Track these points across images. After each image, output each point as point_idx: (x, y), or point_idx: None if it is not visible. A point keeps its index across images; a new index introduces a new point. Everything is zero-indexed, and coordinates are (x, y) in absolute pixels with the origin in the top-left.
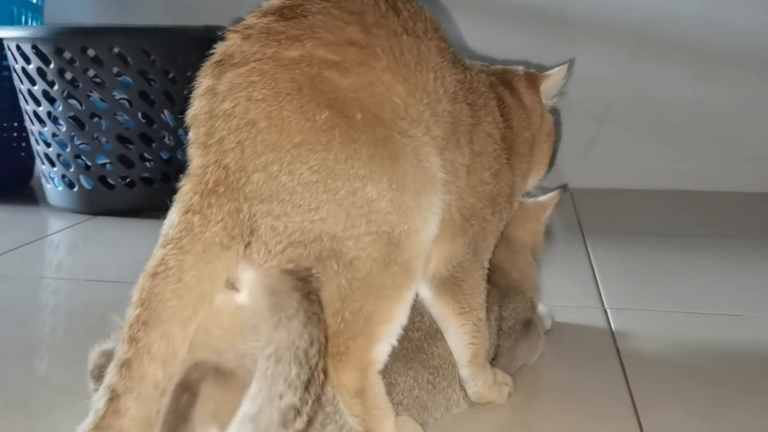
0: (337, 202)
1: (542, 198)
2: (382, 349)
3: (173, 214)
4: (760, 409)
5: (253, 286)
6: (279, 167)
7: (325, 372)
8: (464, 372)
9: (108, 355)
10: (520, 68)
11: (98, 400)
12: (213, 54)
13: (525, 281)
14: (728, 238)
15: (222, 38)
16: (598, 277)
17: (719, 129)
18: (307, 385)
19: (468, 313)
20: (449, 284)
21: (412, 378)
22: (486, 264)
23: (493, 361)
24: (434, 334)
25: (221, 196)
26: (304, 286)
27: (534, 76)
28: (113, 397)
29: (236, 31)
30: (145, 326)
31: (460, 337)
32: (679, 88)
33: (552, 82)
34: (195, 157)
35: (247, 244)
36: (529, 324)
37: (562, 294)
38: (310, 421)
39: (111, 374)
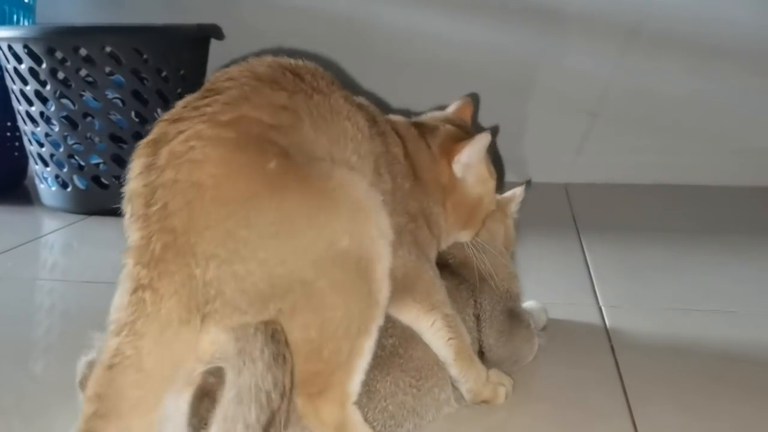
0: (303, 249)
1: (506, 193)
2: (357, 381)
3: (121, 296)
4: (754, 406)
5: (217, 335)
6: (235, 222)
7: (287, 415)
8: (453, 371)
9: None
10: (447, 127)
11: None
12: (142, 141)
13: (496, 271)
14: (722, 232)
15: (217, 36)
16: (592, 274)
17: (712, 122)
18: (266, 428)
19: (433, 310)
20: (403, 288)
21: (392, 383)
22: (435, 267)
23: (483, 357)
24: (409, 338)
25: (170, 263)
26: (268, 327)
27: (450, 140)
28: None
29: (163, 120)
30: (104, 420)
31: (436, 336)
32: (672, 81)
33: (467, 154)
34: (134, 231)
35: (206, 315)
36: (512, 314)
37: (557, 291)
38: None
39: None
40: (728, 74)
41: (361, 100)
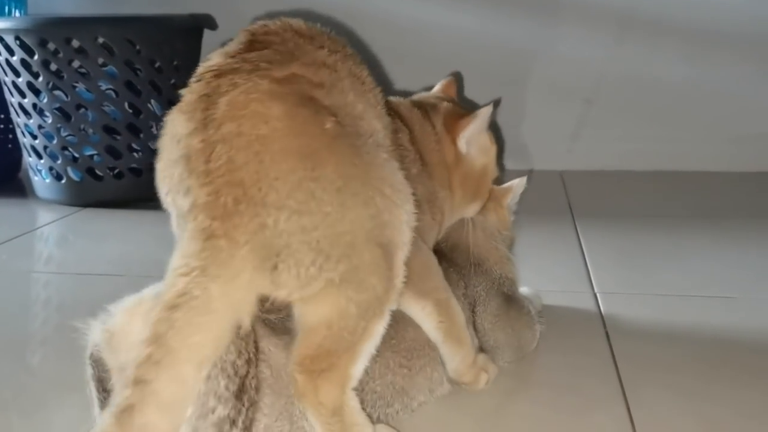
0: (358, 213)
1: (504, 185)
2: (360, 366)
3: (190, 245)
4: (750, 392)
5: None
6: (303, 175)
7: (258, 381)
8: (442, 350)
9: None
10: (446, 103)
11: None
12: (188, 97)
13: (488, 255)
14: (718, 218)
15: (210, 26)
16: (588, 261)
17: (708, 108)
18: (238, 395)
19: (424, 296)
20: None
21: (382, 365)
22: (431, 253)
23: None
24: (400, 319)
25: (243, 215)
26: None
27: (452, 122)
28: None
29: (208, 72)
30: (157, 367)
31: (427, 320)
32: (667, 67)
33: (472, 128)
34: (196, 188)
35: (275, 265)
36: (509, 299)
37: (552, 278)
38: (246, 429)
39: (105, 421)
40: (724, 60)
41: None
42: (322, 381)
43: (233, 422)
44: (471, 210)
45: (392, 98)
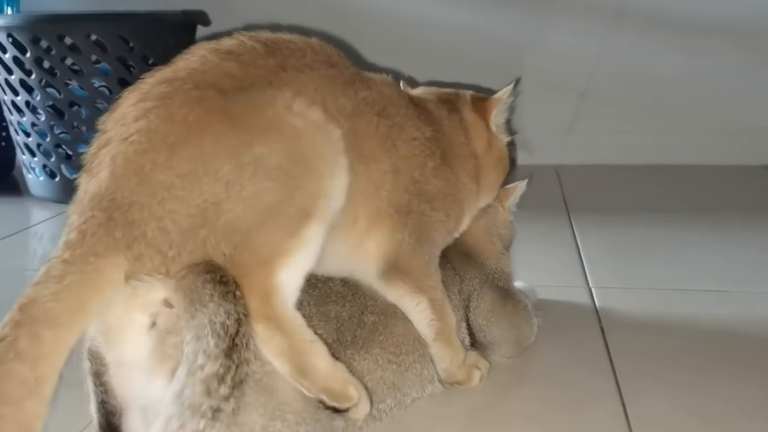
0: (219, 179)
1: (508, 185)
2: (285, 279)
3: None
4: (744, 385)
5: (174, 299)
6: (152, 168)
7: (249, 338)
8: (432, 350)
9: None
10: (469, 92)
11: None
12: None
13: (484, 249)
14: (713, 211)
15: (203, 22)
16: (583, 256)
17: (702, 101)
18: (228, 353)
19: (420, 292)
20: (397, 270)
21: (371, 360)
22: (435, 253)
23: (474, 339)
24: (390, 315)
25: (95, 209)
26: (215, 274)
27: (481, 102)
28: None
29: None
30: (16, 326)
31: (419, 316)
32: (661, 60)
33: (499, 109)
34: (80, 185)
35: (135, 258)
36: (505, 294)
37: (547, 273)
38: (235, 386)
39: None
40: (718, 52)
41: (379, 78)
42: (243, 288)
43: (222, 379)
44: (490, 197)
45: (422, 92)
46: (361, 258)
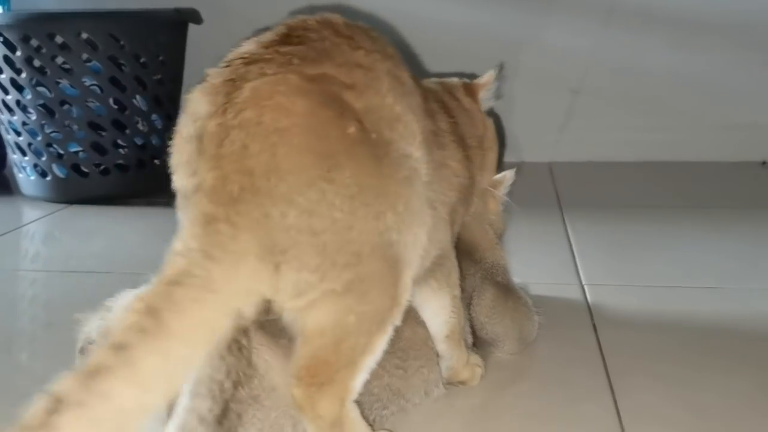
0: (369, 223)
1: (497, 175)
2: (361, 379)
3: (191, 227)
4: (736, 382)
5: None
6: (318, 174)
7: (243, 405)
8: (441, 347)
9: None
10: (456, 79)
11: (34, 403)
12: (214, 76)
13: (480, 241)
14: (706, 208)
15: (195, 20)
16: (575, 253)
17: (695, 98)
18: (220, 419)
19: (445, 289)
20: (432, 270)
21: (379, 366)
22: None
23: (475, 337)
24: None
25: (249, 203)
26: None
27: (470, 86)
28: (54, 408)
29: (237, 59)
30: (143, 335)
31: (439, 313)
32: (653, 56)
33: (487, 89)
34: (203, 170)
35: (278, 264)
36: (506, 290)
37: (540, 270)
38: None
39: (65, 380)
40: (711, 49)
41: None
42: (321, 395)
43: None
44: (488, 181)
45: (430, 84)
46: None
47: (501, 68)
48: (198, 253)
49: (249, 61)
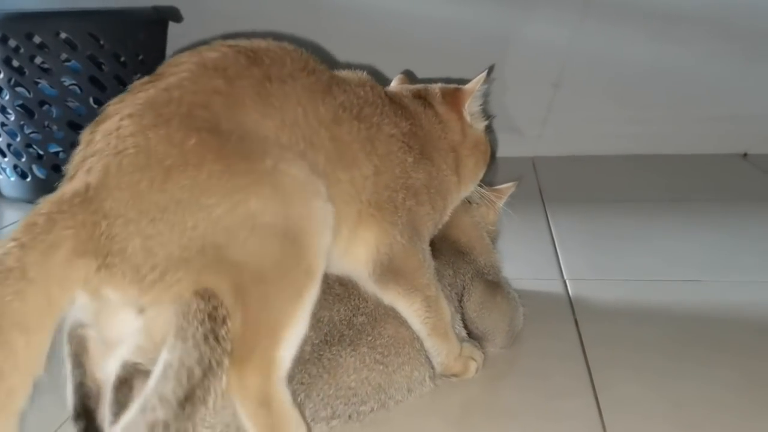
0: (216, 217)
1: (499, 186)
2: (286, 353)
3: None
4: (716, 376)
5: (162, 310)
6: (148, 186)
7: (211, 392)
8: (427, 344)
9: (127, 367)
10: (438, 85)
11: None
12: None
13: (475, 244)
14: (688, 201)
15: (175, 18)
16: (558, 248)
17: (676, 90)
18: (181, 402)
19: (414, 292)
20: (391, 272)
21: (357, 359)
22: (426, 247)
23: (467, 331)
24: (381, 316)
25: (75, 206)
26: (208, 304)
27: (452, 93)
28: None
29: (112, 103)
30: None
31: (413, 315)
32: (632, 47)
33: (472, 98)
34: (61, 188)
35: (107, 266)
36: (495, 286)
37: (522, 265)
38: None
39: None
40: (690, 40)
41: (353, 78)
42: (245, 369)
43: (166, 427)
44: (472, 186)
45: (395, 89)
46: (351, 264)
47: (490, 71)
48: (11, 242)
49: (117, 102)
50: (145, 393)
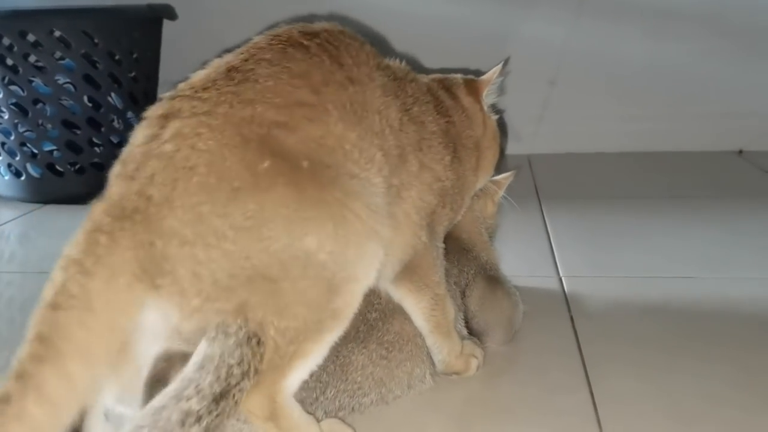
0: (273, 249)
1: (497, 177)
2: (294, 380)
3: (78, 234)
4: (711, 372)
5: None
6: (211, 209)
7: (244, 393)
8: (429, 340)
9: (167, 358)
10: (459, 75)
11: None
12: (156, 108)
13: (476, 241)
14: (685, 198)
15: (170, 16)
16: (554, 245)
17: (672, 87)
18: (217, 398)
19: (423, 289)
20: (408, 268)
21: (365, 356)
22: (440, 244)
23: (469, 327)
24: (389, 313)
25: (136, 224)
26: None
27: (473, 84)
28: None
29: (183, 93)
30: (40, 363)
31: (419, 312)
32: (628, 45)
33: (490, 88)
34: (116, 186)
35: (156, 287)
36: (496, 282)
37: (518, 263)
38: (207, 430)
39: None
40: (686, 37)
41: (399, 71)
42: (249, 395)
43: (199, 419)
44: (485, 181)
45: (429, 82)
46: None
47: (506, 63)
48: (74, 267)
49: (191, 96)
50: (181, 380)
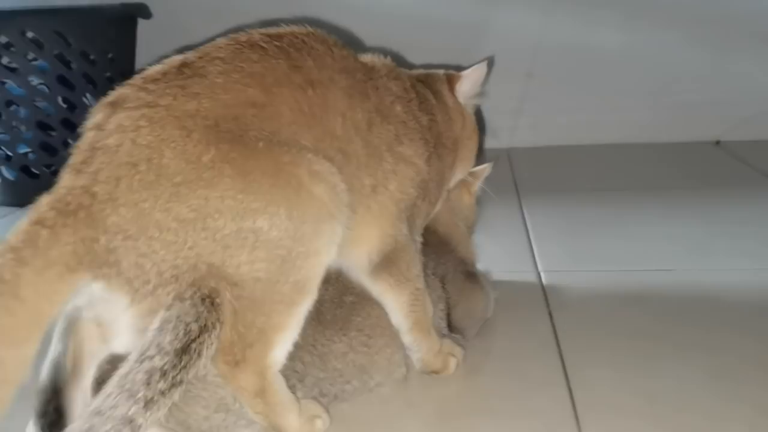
0: (218, 236)
1: (473, 168)
2: (279, 353)
3: (21, 222)
4: (689, 366)
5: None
6: (153, 204)
7: (204, 347)
8: (407, 339)
9: (111, 361)
10: (441, 71)
11: None
12: (108, 95)
13: (453, 234)
14: (661, 189)
15: (144, 15)
16: (532, 239)
17: (648, 77)
18: (179, 353)
19: (404, 283)
20: (385, 264)
21: (346, 344)
22: (418, 238)
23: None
24: (368, 297)
25: (79, 221)
26: (202, 289)
27: (452, 78)
28: None
29: (134, 83)
30: None
31: (399, 308)
32: (605, 36)
33: (467, 82)
34: (64, 179)
35: (103, 276)
36: (472, 276)
37: (496, 258)
38: (174, 386)
39: None
40: (661, 27)
41: (382, 67)
42: (238, 371)
43: (164, 374)
44: (464, 174)
45: (414, 79)
46: (353, 256)
47: (491, 63)
48: (11, 254)
49: (140, 87)
50: (142, 344)
